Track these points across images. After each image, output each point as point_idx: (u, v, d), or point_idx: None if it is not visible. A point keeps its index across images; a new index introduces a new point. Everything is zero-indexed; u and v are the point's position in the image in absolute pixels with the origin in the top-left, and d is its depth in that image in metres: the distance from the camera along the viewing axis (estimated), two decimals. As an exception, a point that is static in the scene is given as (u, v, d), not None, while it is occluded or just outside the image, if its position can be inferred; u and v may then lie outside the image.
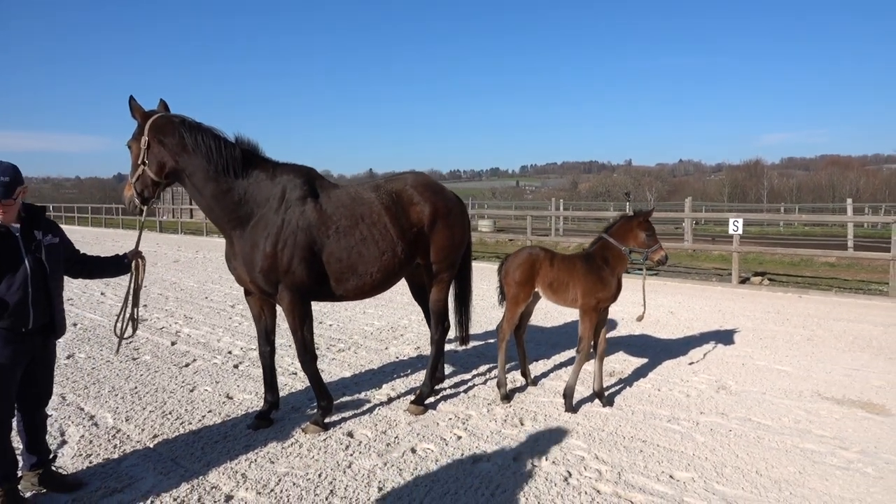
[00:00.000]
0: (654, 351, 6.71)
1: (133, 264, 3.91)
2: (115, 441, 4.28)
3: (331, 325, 8.13)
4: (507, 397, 5.06)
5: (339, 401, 5.08)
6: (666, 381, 5.62)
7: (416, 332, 7.72)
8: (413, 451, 4.11)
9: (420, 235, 4.59)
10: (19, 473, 3.44)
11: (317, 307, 9.09)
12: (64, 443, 4.27)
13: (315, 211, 4.20)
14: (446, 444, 4.20)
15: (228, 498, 3.49)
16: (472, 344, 7.05)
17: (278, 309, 4.50)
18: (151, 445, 4.22)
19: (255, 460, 3.95)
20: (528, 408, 4.92)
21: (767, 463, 3.92)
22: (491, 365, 6.18)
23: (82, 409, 4.92)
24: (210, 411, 4.87)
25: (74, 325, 8.24)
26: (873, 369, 6.01)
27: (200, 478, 3.71)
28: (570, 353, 6.63)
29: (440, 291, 4.87)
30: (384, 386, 5.51)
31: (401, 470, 3.80)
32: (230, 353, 6.71)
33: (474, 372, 5.97)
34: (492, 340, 7.22)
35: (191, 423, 4.61)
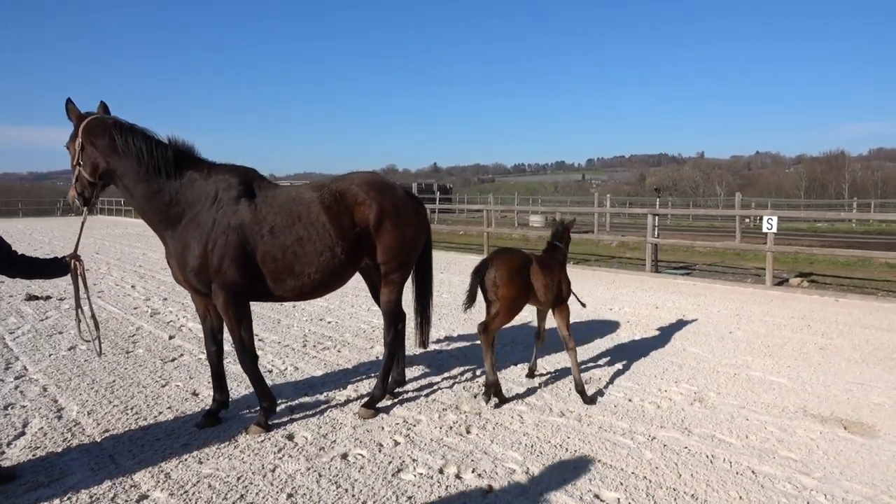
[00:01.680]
0: (643, 357, 6.40)
1: (71, 266, 4.01)
2: (67, 435, 4.42)
3: (329, 323, 8.18)
4: (499, 398, 4.99)
5: (296, 401, 5.10)
6: (641, 391, 5.34)
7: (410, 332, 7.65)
8: (344, 456, 4.05)
9: (365, 235, 4.52)
10: None
11: (322, 305, 9.20)
12: (22, 434, 4.45)
13: (249, 211, 4.20)
14: (379, 451, 4.12)
15: (142, 497, 3.54)
16: (454, 346, 6.94)
17: None
18: (99, 440, 4.34)
19: (186, 460, 4.00)
20: (484, 415, 4.78)
21: (709, 486, 3.64)
22: (465, 367, 6.05)
23: (56, 402, 5.13)
24: (169, 408, 4.97)
25: (90, 317, 8.58)
26: (879, 385, 5.52)
27: (126, 476, 3.78)
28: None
29: (390, 293, 4.78)
30: (349, 387, 5.48)
31: (320, 477, 3.76)
32: (219, 348, 6.84)
33: (445, 374, 5.86)
34: (466, 344, 7.06)
35: (146, 419, 4.72)
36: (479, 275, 4.99)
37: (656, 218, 13.33)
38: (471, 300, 4.99)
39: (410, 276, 5.24)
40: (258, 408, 4.69)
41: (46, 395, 5.30)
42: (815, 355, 6.52)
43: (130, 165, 4.05)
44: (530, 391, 5.35)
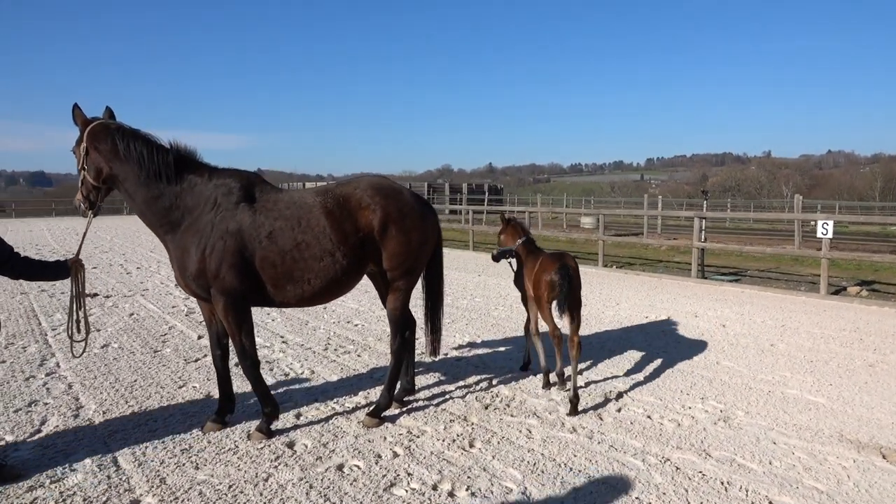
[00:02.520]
0: (671, 370, 6.08)
1: (73, 270, 4.09)
2: (79, 434, 4.52)
3: (355, 326, 8.17)
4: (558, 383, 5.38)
5: (305, 407, 5.06)
6: (662, 407, 5.06)
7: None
8: (339, 467, 3.97)
9: (369, 241, 4.43)
10: None
11: (352, 307, 9.17)
12: (38, 432, 4.57)
13: (248, 215, 4.17)
14: (376, 463, 4.03)
15: (134, 502, 3.55)
16: (474, 352, 6.78)
17: None
18: (107, 441, 4.41)
19: (184, 465, 4.01)
20: (492, 428, 4.62)
21: (719, 517, 3.38)
22: (482, 376, 5.89)
23: (77, 400, 5.26)
24: (181, 410, 5.02)
25: (130, 314, 8.88)
26: (932, 408, 5.05)
27: (124, 479, 3.81)
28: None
29: (396, 300, 4.68)
30: (361, 393, 5.41)
31: (311, 488, 3.69)
32: (243, 349, 6.91)
33: (460, 383, 5.71)
34: (487, 351, 6.89)
35: (156, 421, 4.77)
36: (568, 278, 4.92)
37: (703, 221, 12.76)
38: (566, 301, 4.91)
39: (420, 283, 5.14)
40: (256, 411, 4.67)
41: (70, 392, 5.45)
42: (862, 373, 6.05)
43: (131, 170, 4.10)
44: (547, 403, 5.14)
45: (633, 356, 6.61)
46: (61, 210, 41.56)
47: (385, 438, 4.43)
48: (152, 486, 3.71)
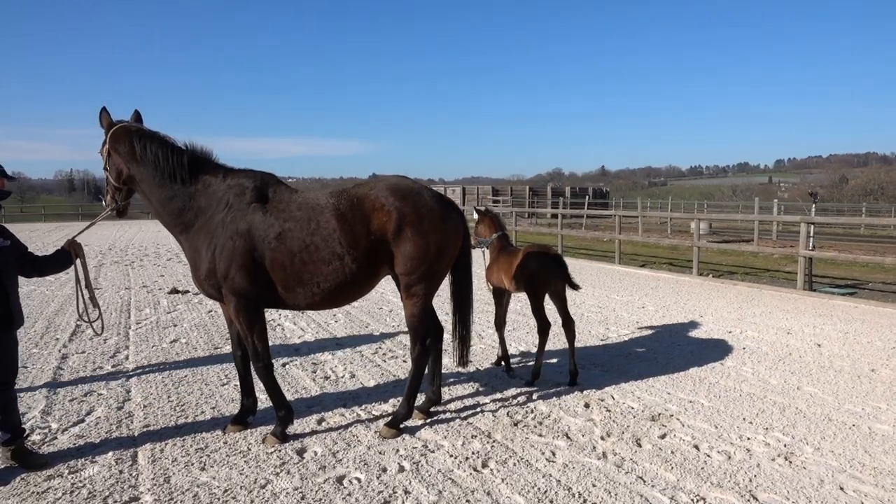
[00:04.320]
0: (739, 394, 5.39)
1: (72, 254, 4.21)
2: (115, 426, 4.71)
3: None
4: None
5: (331, 412, 4.99)
6: (715, 436, 4.47)
7: (489, 342, 7.27)
8: (340, 479, 3.83)
9: (382, 244, 4.25)
10: None
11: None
12: (81, 421, 4.82)
13: (259, 216, 4.14)
14: (377, 478, 3.84)
15: (133, 500, 3.60)
16: (524, 363, 6.41)
17: None
18: (136, 435, 4.55)
19: (192, 464, 4.03)
20: (513, 447, 4.29)
21: (743, 574, 2.87)
22: (522, 389, 5.54)
23: (128, 392, 5.52)
24: (213, 407, 5.11)
25: (209, 311, 9.31)
26: None
27: (134, 475, 3.89)
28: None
29: (413, 306, 4.46)
30: (391, 400, 5.25)
31: (301, 499, 3.57)
32: (297, 350, 7.00)
33: (497, 396, 5.39)
34: (523, 363, 6.47)
35: (187, 418, 4.88)
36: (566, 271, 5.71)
37: (811, 227, 11.46)
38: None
39: (448, 289, 4.89)
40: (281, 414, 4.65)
41: (126, 385, 5.73)
42: (982, 409, 5.05)
43: (148, 171, 4.19)
44: (583, 424, 4.72)
45: (698, 375, 5.97)
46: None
47: (397, 451, 4.24)
48: (155, 485, 3.76)
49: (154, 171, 4.17)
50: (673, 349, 7.01)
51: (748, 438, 4.44)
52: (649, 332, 7.94)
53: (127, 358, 6.70)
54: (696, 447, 4.29)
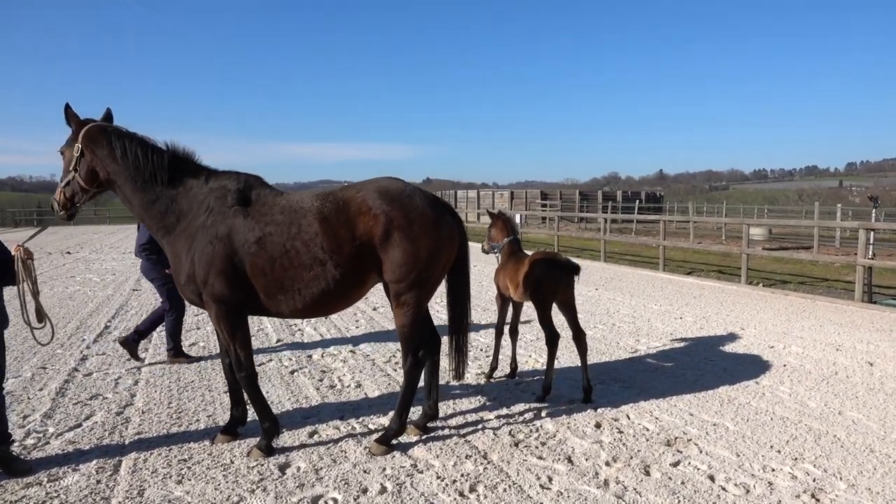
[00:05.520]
0: (772, 418, 4.90)
1: (15, 258, 3.90)
2: (108, 432, 4.64)
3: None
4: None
5: (325, 424, 4.79)
6: (736, 466, 4.04)
7: (502, 354, 6.93)
8: (315, 499, 3.62)
9: (369, 249, 4.02)
10: None
11: (443, 316, 8.73)
12: (77, 426, 4.78)
13: (240, 220, 3.97)
14: (355, 499, 3.61)
15: (103, 513, 3.49)
16: (539, 377, 6.06)
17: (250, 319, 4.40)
18: (126, 443, 4.47)
19: (170, 477, 3.90)
20: (508, 470, 3.98)
21: None
22: (532, 405, 5.20)
23: (132, 397, 5.49)
24: (209, 416, 5.00)
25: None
26: None
27: (109, 486, 3.79)
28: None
29: (404, 316, 4.20)
30: (391, 413, 4.99)
31: (269, 520, 3.37)
32: (309, 357, 6.86)
33: (504, 412, 5.07)
34: (538, 378, 6.10)
35: (180, 427, 4.78)
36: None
37: (871, 234, 10.62)
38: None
39: (444, 298, 4.63)
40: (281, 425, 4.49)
41: (133, 389, 5.71)
42: None
43: (128, 174, 4.07)
44: (589, 446, 4.37)
45: (727, 394, 5.48)
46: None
47: (384, 470, 3.99)
48: (127, 498, 3.64)
49: (135, 174, 4.06)
50: (704, 364, 6.51)
51: (772, 470, 3.99)
52: (682, 344, 7.45)
53: (142, 360, 6.71)
54: (711, 478, 3.87)
